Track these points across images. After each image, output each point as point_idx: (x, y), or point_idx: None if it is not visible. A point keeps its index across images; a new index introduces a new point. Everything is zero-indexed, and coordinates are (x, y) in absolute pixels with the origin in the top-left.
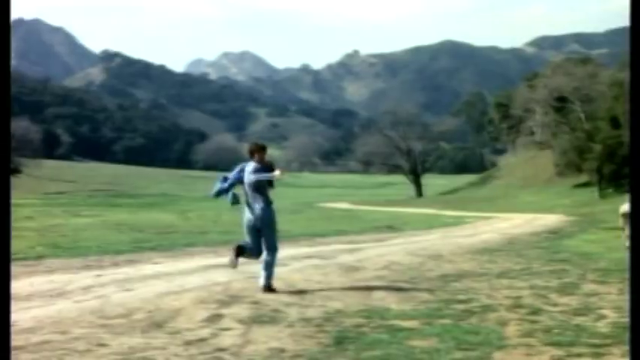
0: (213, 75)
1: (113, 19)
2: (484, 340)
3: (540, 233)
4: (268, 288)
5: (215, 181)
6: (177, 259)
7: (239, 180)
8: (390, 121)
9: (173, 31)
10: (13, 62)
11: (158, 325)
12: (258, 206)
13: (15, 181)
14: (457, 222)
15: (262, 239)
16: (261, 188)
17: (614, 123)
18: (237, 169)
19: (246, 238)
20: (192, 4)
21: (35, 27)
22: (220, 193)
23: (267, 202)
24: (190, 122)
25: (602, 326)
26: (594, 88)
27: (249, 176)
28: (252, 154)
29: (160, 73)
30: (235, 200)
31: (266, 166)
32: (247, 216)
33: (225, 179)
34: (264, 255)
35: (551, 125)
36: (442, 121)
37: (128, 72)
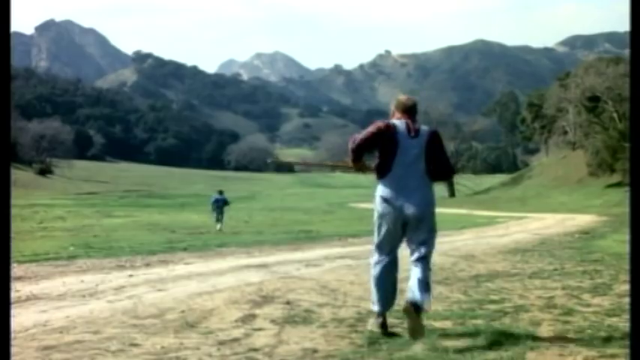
0: (245, 76)
1: (145, 20)
2: (517, 341)
3: (572, 233)
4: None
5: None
6: (209, 259)
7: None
8: (423, 121)
9: (205, 32)
10: (46, 64)
11: (191, 326)
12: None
13: (47, 182)
14: (489, 222)
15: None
16: (223, 203)
17: None
18: (214, 198)
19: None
20: (224, 5)
21: (67, 28)
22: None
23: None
24: (222, 123)
25: None
26: (627, 88)
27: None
28: (220, 193)
29: (192, 74)
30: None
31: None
32: (215, 209)
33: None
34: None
35: (584, 125)
36: (474, 121)
37: (160, 73)
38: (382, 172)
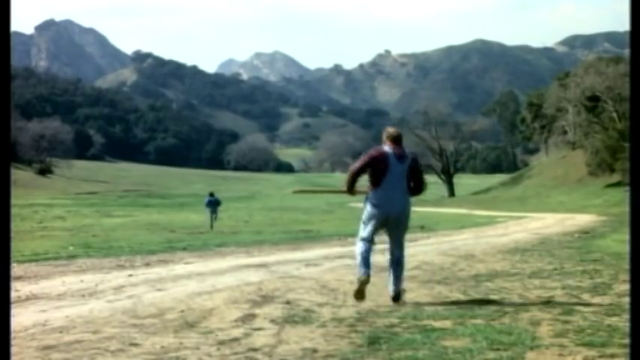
0: (244, 75)
1: (145, 19)
2: (517, 340)
3: (572, 233)
4: None
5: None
6: (208, 259)
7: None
8: (422, 121)
9: (205, 31)
10: (45, 64)
11: (190, 325)
12: (214, 207)
13: (46, 182)
14: (489, 222)
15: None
16: (216, 204)
17: None
18: (207, 199)
19: (206, 212)
20: (224, 5)
21: (67, 28)
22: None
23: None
24: (222, 122)
25: None
26: (626, 87)
27: (211, 200)
28: (211, 195)
29: (192, 74)
30: (208, 205)
31: (216, 198)
32: (210, 208)
33: (209, 202)
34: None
35: (584, 125)
36: (474, 121)
37: (160, 72)
38: (375, 186)
